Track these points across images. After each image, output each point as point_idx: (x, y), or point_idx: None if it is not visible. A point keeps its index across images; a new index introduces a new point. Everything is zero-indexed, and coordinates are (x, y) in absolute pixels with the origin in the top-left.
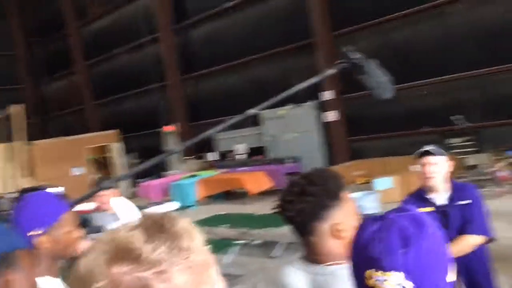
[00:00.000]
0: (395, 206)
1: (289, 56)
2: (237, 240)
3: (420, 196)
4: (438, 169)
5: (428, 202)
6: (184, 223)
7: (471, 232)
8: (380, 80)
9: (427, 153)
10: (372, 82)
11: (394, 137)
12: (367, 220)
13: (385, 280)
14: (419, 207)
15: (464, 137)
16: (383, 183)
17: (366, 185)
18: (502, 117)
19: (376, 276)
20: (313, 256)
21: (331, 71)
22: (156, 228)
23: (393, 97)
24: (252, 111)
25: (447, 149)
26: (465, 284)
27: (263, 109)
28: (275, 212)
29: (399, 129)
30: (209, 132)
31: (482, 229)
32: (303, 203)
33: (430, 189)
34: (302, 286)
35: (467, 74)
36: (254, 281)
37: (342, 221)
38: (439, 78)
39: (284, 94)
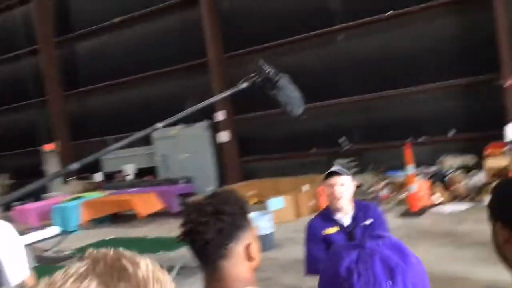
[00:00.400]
0: (288, 226)
1: (181, 75)
2: None
3: (326, 216)
4: (345, 189)
5: (334, 223)
6: (148, 265)
7: None
8: (292, 96)
9: (335, 173)
10: (283, 97)
11: (285, 158)
12: (338, 250)
13: None
14: (326, 227)
15: (348, 158)
16: (276, 203)
17: (259, 205)
18: (381, 140)
19: None
20: (219, 283)
21: (243, 85)
22: (114, 274)
23: (303, 113)
24: (160, 125)
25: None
26: None
27: (171, 124)
28: (181, 238)
29: (289, 151)
30: (110, 148)
31: None
32: (220, 223)
33: (337, 210)
34: None
35: (351, 99)
36: None
37: (251, 242)
38: (326, 102)
39: (190, 110)
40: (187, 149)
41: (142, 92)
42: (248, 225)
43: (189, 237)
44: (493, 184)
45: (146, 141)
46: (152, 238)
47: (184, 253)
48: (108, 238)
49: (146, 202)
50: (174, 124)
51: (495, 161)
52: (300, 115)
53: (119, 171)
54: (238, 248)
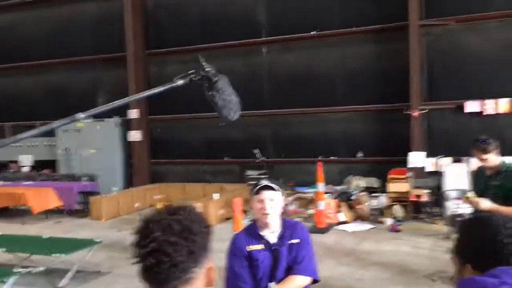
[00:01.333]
0: None
1: (97, 66)
2: (16, 267)
3: (252, 232)
4: (275, 205)
5: (260, 239)
6: None
7: (299, 273)
8: (229, 99)
9: (266, 187)
10: (220, 100)
11: (196, 164)
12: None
13: None
14: (251, 243)
15: (260, 170)
16: None
17: None
18: (291, 155)
19: None
20: None
21: (180, 82)
22: None
23: (236, 120)
24: (81, 115)
25: (245, 180)
26: None
27: (93, 116)
28: (140, 259)
29: (201, 157)
30: (21, 136)
31: (309, 270)
32: (191, 245)
33: (264, 226)
34: None
35: (268, 112)
36: None
37: (211, 265)
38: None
39: (117, 103)
40: (94, 145)
41: (51, 79)
42: (210, 247)
43: (152, 258)
44: (395, 207)
45: (48, 132)
46: (47, 238)
47: (80, 256)
48: None
49: (41, 197)
50: (97, 116)
51: (397, 186)
52: (234, 121)
53: (14, 161)
54: (200, 272)
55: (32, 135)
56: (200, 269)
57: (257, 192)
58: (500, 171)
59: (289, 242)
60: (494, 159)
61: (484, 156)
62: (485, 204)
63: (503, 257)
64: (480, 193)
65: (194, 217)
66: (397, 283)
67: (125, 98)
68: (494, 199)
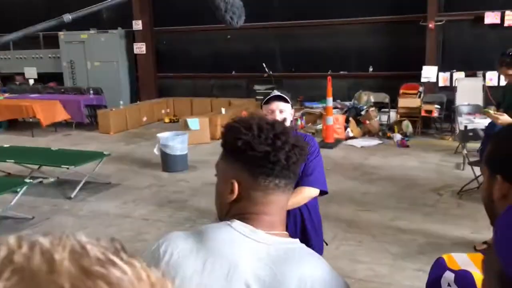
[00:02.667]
0: (203, 147)
1: None
2: (28, 177)
3: None
4: (286, 116)
5: None
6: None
7: (308, 184)
8: (231, 2)
9: (277, 98)
10: (222, 2)
11: (203, 78)
12: None
13: None
14: None
15: (268, 85)
16: (192, 123)
17: (173, 124)
18: (300, 70)
19: None
20: (269, 217)
21: None
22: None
23: (239, 26)
24: (69, 16)
25: (253, 95)
26: (296, 234)
27: (82, 16)
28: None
29: (208, 71)
30: (10, 37)
31: (319, 182)
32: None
33: None
34: (250, 257)
35: (276, 24)
36: (47, 224)
37: None
38: (245, 24)
39: (105, 3)
40: (98, 57)
41: None
42: None
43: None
44: (405, 122)
45: (51, 43)
46: (56, 150)
47: (90, 168)
48: (5, 146)
49: (49, 110)
50: (101, 27)
51: (408, 101)
52: (238, 26)
53: (20, 74)
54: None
55: (18, 37)
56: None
57: (268, 102)
58: None
59: None
60: None
61: (509, 71)
62: (506, 118)
63: None
64: (506, 110)
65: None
66: (402, 197)
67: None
68: None
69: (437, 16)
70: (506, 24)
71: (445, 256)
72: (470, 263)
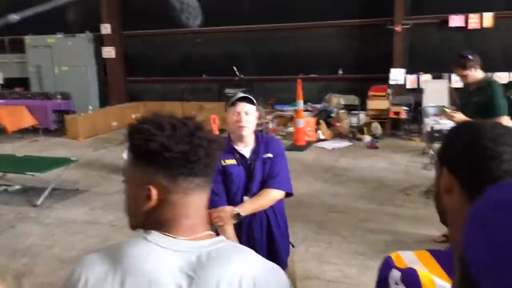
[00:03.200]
0: None
1: None
2: None
3: (228, 145)
4: (250, 119)
5: (234, 153)
6: None
7: (273, 186)
8: (187, 2)
9: (243, 100)
10: (177, 3)
11: (174, 82)
12: None
13: None
14: (226, 158)
15: (239, 88)
16: None
17: None
18: (270, 73)
19: None
20: (187, 221)
21: None
22: None
23: (198, 26)
24: (14, 16)
25: (224, 99)
26: (262, 238)
27: (27, 17)
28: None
29: (179, 75)
30: None
31: (284, 184)
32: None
33: (238, 139)
34: (170, 269)
35: (242, 27)
36: (12, 233)
37: None
38: (215, 28)
39: (55, 3)
40: (66, 61)
41: None
42: None
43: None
44: (374, 124)
45: (17, 48)
46: (21, 156)
47: (57, 175)
48: None
49: (15, 116)
50: (68, 31)
51: (376, 103)
52: (195, 26)
53: None
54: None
55: None
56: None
57: (233, 104)
58: (480, 87)
59: (264, 156)
60: (474, 74)
61: (464, 72)
62: (461, 116)
63: (481, 162)
64: (462, 109)
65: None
66: (371, 197)
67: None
68: (474, 115)
69: (404, 20)
70: (470, 27)
71: (392, 255)
72: (416, 261)
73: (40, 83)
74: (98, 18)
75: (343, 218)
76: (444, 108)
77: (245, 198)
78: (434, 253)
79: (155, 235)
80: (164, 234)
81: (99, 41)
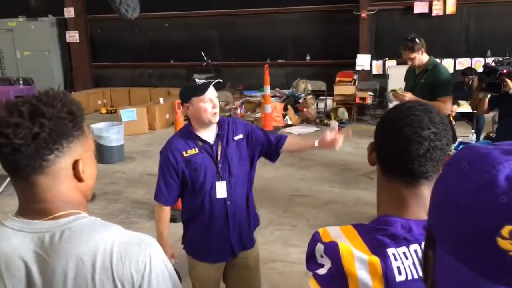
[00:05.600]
0: (140, 138)
1: None
2: None
3: (190, 133)
4: (217, 103)
5: (198, 141)
6: None
7: (282, 138)
8: None
9: (211, 86)
10: None
11: (141, 67)
12: (493, 155)
13: None
14: (188, 148)
15: (207, 74)
16: (128, 114)
17: (110, 115)
18: (239, 59)
19: None
20: (36, 205)
21: None
22: None
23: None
24: None
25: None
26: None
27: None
28: None
29: (146, 60)
30: None
31: (280, 136)
32: (37, 127)
33: (204, 127)
34: (22, 251)
35: (210, 12)
36: None
37: (82, 158)
38: (182, 12)
39: None
40: (28, 46)
41: None
42: (80, 136)
43: None
44: (341, 109)
45: None
46: None
47: None
48: None
49: None
50: (30, 15)
51: (343, 88)
52: (134, 18)
53: None
54: (62, 162)
55: None
56: (59, 159)
57: (203, 92)
58: (427, 70)
59: (236, 138)
60: (420, 57)
61: (411, 55)
62: (411, 96)
63: (391, 143)
64: (410, 91)
65: (54, 101)
66: (336, 181)
67: None
68: (422, 96)
69: (370, 6)
70: (434, 13)
71: (320, 230)
72: (341, 235)
73: (2, 68)
74: (61, 1)
75: (308, 202)
76: (394, 89)
77: (218, 183)
78: (357, 227)
79: (11, 220)
80: (18, 217)
81: (63, 25)
